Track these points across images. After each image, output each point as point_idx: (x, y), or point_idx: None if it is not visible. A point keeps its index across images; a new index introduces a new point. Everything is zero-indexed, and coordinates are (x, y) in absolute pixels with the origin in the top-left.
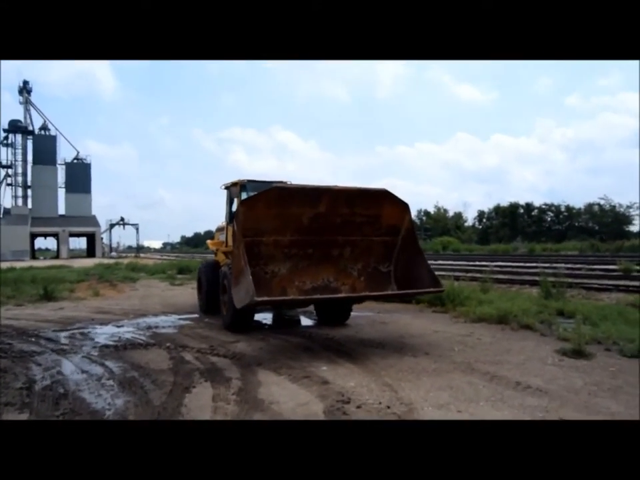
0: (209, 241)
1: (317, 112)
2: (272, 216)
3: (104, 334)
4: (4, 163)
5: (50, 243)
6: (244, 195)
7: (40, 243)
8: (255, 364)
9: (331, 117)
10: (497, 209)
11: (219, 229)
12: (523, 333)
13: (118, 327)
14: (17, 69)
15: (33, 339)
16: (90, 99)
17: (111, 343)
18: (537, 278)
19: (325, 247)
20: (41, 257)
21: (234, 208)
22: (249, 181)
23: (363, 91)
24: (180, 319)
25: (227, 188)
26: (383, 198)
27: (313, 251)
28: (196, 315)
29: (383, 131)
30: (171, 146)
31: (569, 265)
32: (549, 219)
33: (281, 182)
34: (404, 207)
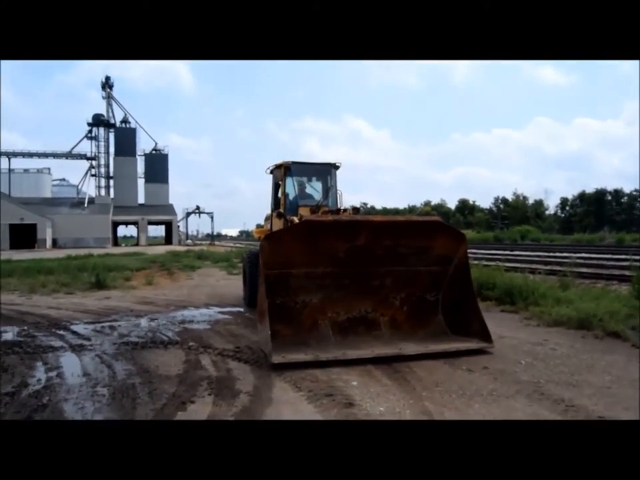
0: (254, 229)
1: (389, 100)
2: (302, 250)
3: (132, 329)
4: (88, 155)
5: (133, 231)
6: (288, 179)
7: (125, 230)
8: (277, 373)
9: (404, 105)
10: (582, 196)
11: (267, 218)
12: (610, 342)
13: (151, 320)
14: (102, 67)
15: (60, 332)
16: (170, 94)
17: (134, 339)
18: (627, 273)
19: (363, 277)
20: (123, 244)
21: (279, 193)
22: (294, 163)
23: (436, 78)
24: (220, 312)
25: (271, 172)
26: (435, 229)
27: (350, 281)
28: (239, 309)
29: (457, 118)
30: (246, 137)
31: None
32: None
33: (332, 163)
34: (459, 237)
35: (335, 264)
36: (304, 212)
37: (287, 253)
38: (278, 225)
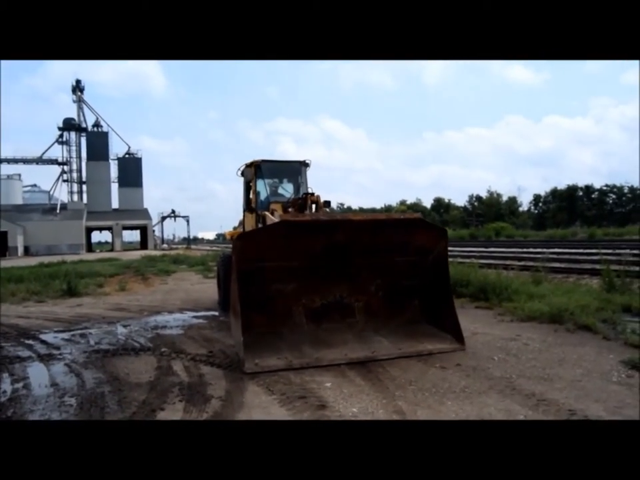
0: (227, 232)
1: (363, 100)
2: (277, 247)
3: (104, 336)
4: (60, 160)
5: (108, 236)
6: (259, 178)
7: (99, 236)
8: (249, 377)
9: (378, 104)
10: (554, 192)
11: (241, 222)
12: (581, 335)
13: (124, 326)
14: (72, 71)
15: (29, 342)
16: (142, 96)
17: (104, 347)
18: (597, 266)
19: (339, 266)
20: (97, 250)
21: (251, 193)
22: (264, 161)
23: (409, 77)
24: (194, 316)
25: (242, 173)
26: (417, 226)
27: (326, 270)
28: (213, 313)
29: (430, 116)
30: (220, 139)
31: (635, 251)
32: (610, 201)
33: (301, 161)
34: (440, 232)
35: (311, 258)
36: (275, 207)
37: (261, 250)
38: (250, 221)
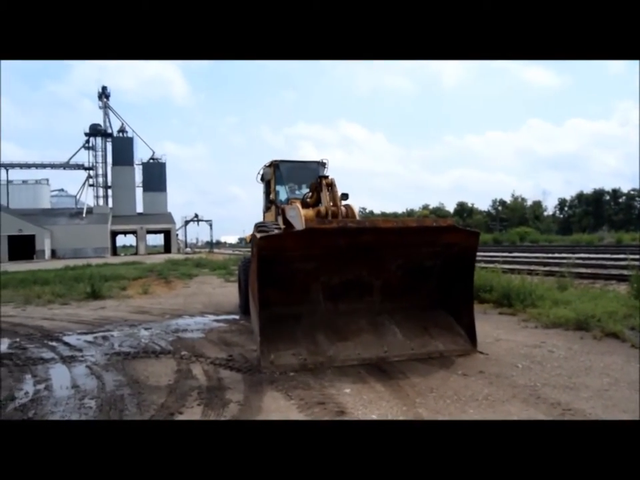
0: (247, 235)
1: (382, 104)
2: (300, 247)
3: (125, 338)
4: (86, 165)
5: (132, 240)
6: (278, 175)
7: (124, 240)
8: (268, 381)
9: (397, 108)
10: (580, 197)
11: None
12: (608, 342)
13: (146, 329)
14: (95, 77)
15: (52, 343)
16: (164, 102)
17: (125, 349)
18: (625, 272)
19: (363, 254)
20: (122, 254)
21: (270, 191)
22: (282, 161)
23: (428, 80)
24: (215, 320)
25: (262, 178)
26: (448, 232)
27: (349, 255)
28: (234, 316)
29: (450, 120)
30: (241, 144)
31: None
32: (638, 205)
33: (318, 161)
34: (473, 234)
35: (334, 252)
36: (294, 202)
37: (284, 246)
38: (270, 217)
